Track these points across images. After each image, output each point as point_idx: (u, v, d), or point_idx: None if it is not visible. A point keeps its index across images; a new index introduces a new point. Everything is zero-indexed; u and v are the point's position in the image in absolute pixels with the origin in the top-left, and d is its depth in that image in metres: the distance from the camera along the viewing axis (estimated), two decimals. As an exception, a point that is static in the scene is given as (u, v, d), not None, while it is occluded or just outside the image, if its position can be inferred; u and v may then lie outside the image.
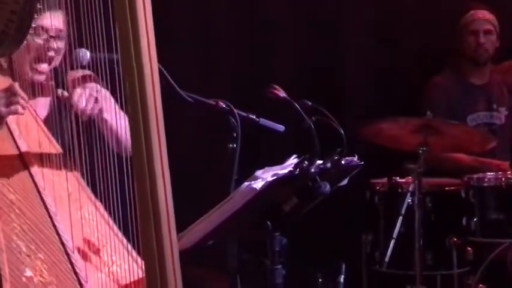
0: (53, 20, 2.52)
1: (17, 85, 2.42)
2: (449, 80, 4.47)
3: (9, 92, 2.40)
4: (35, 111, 2.60)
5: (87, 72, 2.52)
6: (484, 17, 4.42)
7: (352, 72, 4.64)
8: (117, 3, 1.72)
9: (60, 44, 2.59)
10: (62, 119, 2.54)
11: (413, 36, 4.74)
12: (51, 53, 2.57)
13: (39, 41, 2.53)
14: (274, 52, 4.47)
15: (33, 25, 2.38)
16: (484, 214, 3.86)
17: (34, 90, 2.60)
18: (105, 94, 2.53)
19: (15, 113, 2.42)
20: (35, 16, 2.37)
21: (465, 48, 4.44)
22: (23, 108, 2.41)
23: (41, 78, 2.60)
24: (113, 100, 2.49)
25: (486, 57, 4.42)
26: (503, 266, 3.81)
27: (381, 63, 4.65)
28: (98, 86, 2.55)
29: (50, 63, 2.60)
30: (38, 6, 2.38)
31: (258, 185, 2.18)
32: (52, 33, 2.55)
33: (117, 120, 2.43)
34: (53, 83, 2.63)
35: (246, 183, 2.21)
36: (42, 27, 2.53)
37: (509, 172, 3.98)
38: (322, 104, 2.52)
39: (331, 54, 4.57)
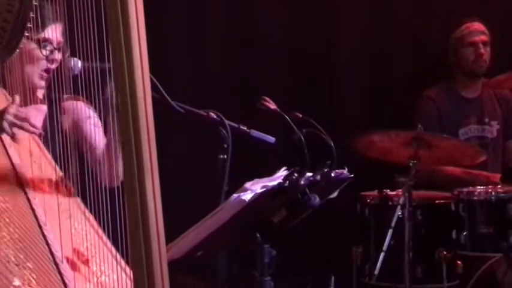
0: (56, 32, 2.55)
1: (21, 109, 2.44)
2: (441, 93, 4.48)
3: (20, 116, 2.40)
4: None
5: (80, 98, 2.55)
6: (480, 28, 4.44)
7: (344, 84, 4.65)
8: (109, 13, 1.72)
9: (60, 56, 2.62)
10: (53, 130, 2.55)
11: (405, 50, 4.76)
12: (54, 65, 2.60)
13: (46, 53, 2.56)
14: (265, 64, 4.48)
15: (40, 37, 2.42)
16: (474, 228, 3.86)
17: (26, 99, 2.60)
18: (94, 122, 2.57)
19: (14, 139, 2.42)
20: (28, 25, 2.38)
21: (462, 61, 4.46)
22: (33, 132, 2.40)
23: (42, 84, 2.63)
24: (99, 128, 2.53)
25: (484, 69, 4.44)
26: (493, 280, 3.81)
27: (372, 76, 4.67)
28: (90, 111, 2.59)
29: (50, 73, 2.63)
30: (31, 15, 2.39)
31: (246, 196, 2.18)
32: (55, 45, 2.58)
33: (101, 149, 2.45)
34: (46, 95, 2.65)
35: (235, 195, 2.21)
36: (48, 40, 2.56)
37: (499, 186, 3.99)
38: (313, 116, 2.52)
39: (323, 66, 4.58)
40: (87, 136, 2.66)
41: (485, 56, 4.42)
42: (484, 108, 4.50)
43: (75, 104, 2.62)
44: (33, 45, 2.55)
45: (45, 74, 2.60)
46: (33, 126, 2.40)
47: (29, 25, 2.40)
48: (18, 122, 2.39)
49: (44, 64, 2.60)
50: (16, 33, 2.38)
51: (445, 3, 4.77)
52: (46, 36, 2.55)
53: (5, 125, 2.39)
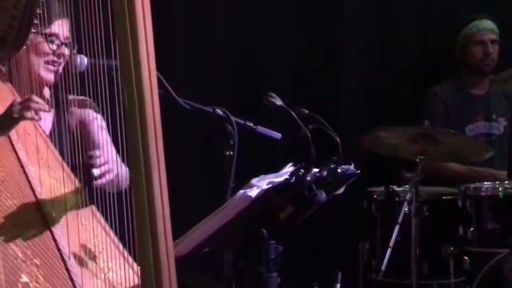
0: (63, 27, 2.55)
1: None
2: (448, 89, 4.48)
3: (26, 99, 2.39)
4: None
5: (86, 98, 2.55)
6: (489, 26, 4.43)
7: (350, 80, 4.65)
8: (116, 11, 1.73)
9: (67, 51, 2.62)
10: (61, 130, 2.56)
11: (412, 46, 4.75)
12: (61, 60, 2.60)
13: (53, 46, 2.56)
14: (271, 60, 4.48)
15: (47, 31, 2.43)
16: (481, 223, 3.87)
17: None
18: (100, 123, 2.57)
19: (31, 118, 2.38)
20: (35, 21, 2.39)
21: (470, 59, 4.45)
22: (37, 113, 2.39)
23: (52, 77, 2.62)
24: (105, 131, 2.53)
25: (492, 67, 4.43)
26: (500, 275, 3.81)
27: (379, 72, 4.66)
28: (95, 113, 2.59)
29: (57, 67, 2.63)
30: (38, 11, 2.40)
31: (253, 193, 2.18)
32: (63, 40, 2.59)
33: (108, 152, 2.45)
34: (53, 95, 2.66)
35: (241, 191, 2.21)
36: (55, 34, 2.56)
37: (506, 182, 3.99)
38: (320, 112, 2.52)
39: (329, 62, 4.57)
40: (93, 139, 2.65)
41: (494, 54, 4.42)
42: (491, 105, 4.50)
43: (81, 104, 2.62)
44: (40, 39, 2.55)
45: (51, 67, 2.60)
46: (37, 103, 2.38)
47: (36, 21, 2.41)
48: (25, 104, 2.37)
49: (50, 58, 2.61)
50: (23, 30, 2.39)
51: (452, -1, 4.76)
52: (53, 31, 2.55)
53: (15, 114, 2.37)
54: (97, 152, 2.43)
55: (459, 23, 4.53)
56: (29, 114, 2.35)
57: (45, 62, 2.60)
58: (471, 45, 4.44)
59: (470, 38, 4.44)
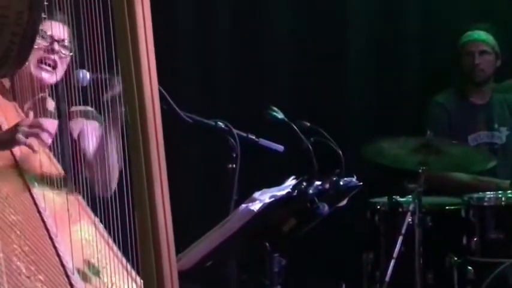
0: (57, 28, 2.56)
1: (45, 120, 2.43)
2: (450, 99, 4.48)
3: (35, 124, 2.39)
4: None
5: (88, 108, 2.55)
6: (480, 37, 4.43)
7: (352, 91, 4.65)
8: (118, 25, 1.74)
9: (64, 51, 2.62)
10: (63, 141, 2.56)
11: (414, 56, 4.76)
12: (55, 56, 2.60)
13: (43, 42, 2.56)
14: (273, 73, 4.48)
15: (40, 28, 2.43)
16: (485, 233, 3.85)
17: (36, 110, 2.61)
18: (101, 133, 2.57)
19: (32, 148, 2.39)
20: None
21: (463, 69, 4.47)
22: (44, 144, 2.39)
23: (49, 78, 2.62)
24: (100, 136, 2.54)
25: (483, 78, 4.43)
26: (505, 285, 3.80)
27: (381, 83, 4.66)
28: (97, 124, 2.59)
29: (54, 68, 2.63)
30: (40, 28, 2.40)
31: (255, 207, 2.18)
32: (56, 38, 2.59)
33: (106, 161, 2.45)
34: (55, 105, 2.66)
35: (243, 205, 2.22)
36: (46, 32, 2.57)
37: (509, 191, 3.98)
38: (321, 125, 2.53)
39: (331, 74, 4.58)
40: (85, 145, 2.65)
41: (482, 65, 4.41)
42: (493, 114, 4.49)
43: (84, 115, 2.63)
44: None
45: (44, 66, 2.60)
46: (47, 132, 2.39)
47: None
48: (33, 131, 2.38)
49: (41, 55, 2.60)
50: (25, 46, 2.39)
51: (454, 7, 4.76)
52: (45, 28, 2.54)
53: (19, 136, 2.37)
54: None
55: (459, 32, 4.53)
56: (35, 144, 2.36)
57: (38, 61, 2.59)
58: (463, 55, 4.45)
59: (461, 48, 4.46)
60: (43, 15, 2.38)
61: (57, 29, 2.58)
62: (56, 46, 2.61)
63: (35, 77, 2.60)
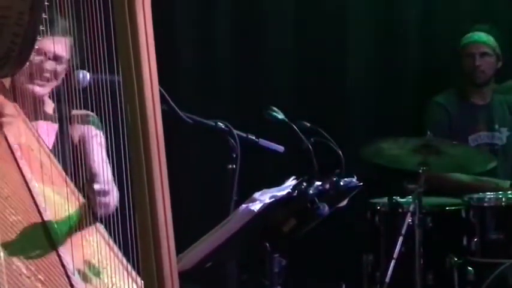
0: (54, 45, 2.55)
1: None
2: (451, 99, 4.48)
3: None
4: (37, 131, 2.61)
5: (89, 113, 2.55)
6: (481, 39, 4.43)
7: (352, 92, 4.65)
8: (119, 27, 1.74)
9: (59, 68, 2.61)
10: (64, 143, 2.57)
11: (414, 56, 4.76)
12: (46, 74, 2.60)
13: (36, 59, 2.56)
14: (273, 73, 4.49)
15: (36, 46, 2.41)
16: (485, 234, 3.86)
17: (36, 113, 2.62)
18: (100, 141, 2.57)
19: None
20: (38, 38, 2.39)
21: (464, 70, 4.47)
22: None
23: (40, 90, 2.62)
24: (104, 150, 2.54)
25: (483, 79, 4.43)
26: (505, 286, 3.80)
27: (381, 83, 4.67)
28: (96, 130, 2.59)
29: (48, 81, 2.62)
30: (41, 28, 2.40)
31: (255, 207, 2.19)
32: (50, 56, 2.58)
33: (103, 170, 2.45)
34: (56, 109, 2.66)
35: (243, 206, 2.22)
36: (41, 50, 2.55)
37: (509, 192, 3.98)
38: (321, 125, 2.53)
39: (331, 75, 4.58)
40: (92, 157, 2.64)
41: (483, 67, 4.41)
42: (493, 114, 4.50)
43: (84, 119, 2.62)
44: None
45: (36, 80, 2.58)
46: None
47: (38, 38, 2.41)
48: None
49: (33, 69, 2.57)
50: (26, 46, 2.39)
51: (455, 8, 4.76)
52: (40, 45, 2.47)
53: None
54: (99, 185, 2.43)
55: (460, 33, 4.54)
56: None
57: (31, 75, 2.58)
58: (464, 57, 4.46)
59: (462, 50, 4.46)
60: (44, 16, 2.37)
61: (51, 46, 2.55)
62: (48, 65, 2.59)
63: (27, 89, 2.60)
